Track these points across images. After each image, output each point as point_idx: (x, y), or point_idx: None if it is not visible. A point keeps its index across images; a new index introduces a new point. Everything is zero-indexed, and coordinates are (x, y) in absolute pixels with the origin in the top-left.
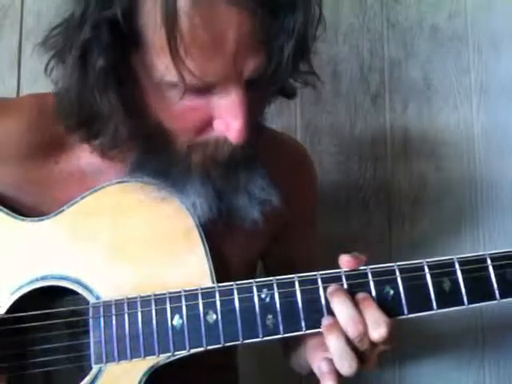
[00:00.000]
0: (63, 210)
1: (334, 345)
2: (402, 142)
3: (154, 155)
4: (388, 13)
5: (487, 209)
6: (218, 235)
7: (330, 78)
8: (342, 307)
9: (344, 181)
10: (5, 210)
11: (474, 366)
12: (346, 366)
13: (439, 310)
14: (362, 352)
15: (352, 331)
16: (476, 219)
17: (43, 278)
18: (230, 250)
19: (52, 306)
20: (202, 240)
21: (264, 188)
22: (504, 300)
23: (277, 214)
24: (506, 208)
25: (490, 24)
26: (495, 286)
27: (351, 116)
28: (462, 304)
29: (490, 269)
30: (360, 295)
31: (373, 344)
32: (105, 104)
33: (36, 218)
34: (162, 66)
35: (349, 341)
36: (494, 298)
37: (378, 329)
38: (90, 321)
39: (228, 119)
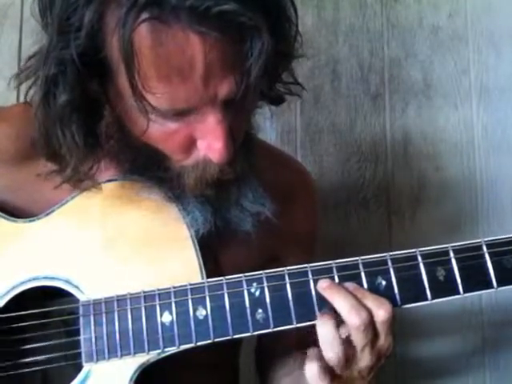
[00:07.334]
0: (53, 211)
1: (324, 332)
2: (402, 141)
3: (146, 168)
4: (388, 13)
5: (487, 208)
6: (214, 246)
7: (330, 78)
8: (341, 299)
9: (344, 181)
10: None
11: (474, 364)
12: (334, 354)
13: (434, 300)
14: (355, 351)
15: (355, 320)
16: (476, 219)
17: (35, 279)
18: (224, 261)
19: (44, 306)
20: (192, 237)
21: (255, 201)
22: (502, 288)
23: (272, 229)
24: (505, 208)
25: (490, 24)
26: (492, 273)
27: (351, 116)
28: (458, 293)
29: (486, 256)
30: (349, 286)
31: (374, 338)
32: (67, 140)
33: (27, 219)
34: (131, 100)
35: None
36: (492, 286)
37: (382, 307)
38: (81, 319)
39: (209, 140)
